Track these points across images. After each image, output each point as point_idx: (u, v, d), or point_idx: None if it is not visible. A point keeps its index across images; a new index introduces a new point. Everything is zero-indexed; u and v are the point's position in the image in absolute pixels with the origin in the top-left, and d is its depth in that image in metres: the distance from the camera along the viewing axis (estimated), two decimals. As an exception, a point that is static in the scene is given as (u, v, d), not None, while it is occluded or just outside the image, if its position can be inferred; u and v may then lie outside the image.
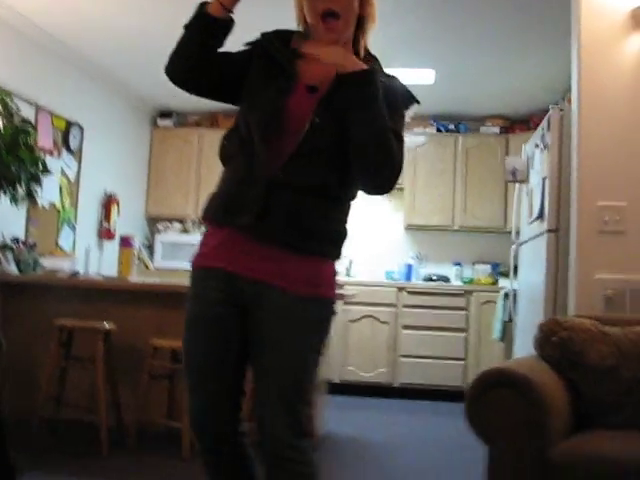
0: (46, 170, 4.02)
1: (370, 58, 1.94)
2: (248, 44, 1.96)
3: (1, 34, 4.79)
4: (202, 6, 1.88)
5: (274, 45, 1.91)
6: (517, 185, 4.89)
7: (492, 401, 2.28)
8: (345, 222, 1.94)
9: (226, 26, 1.89)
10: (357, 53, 1.92)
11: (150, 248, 7.28)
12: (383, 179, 1.82)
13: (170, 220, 7.26)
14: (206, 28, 1.87)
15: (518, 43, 5.12)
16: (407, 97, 1.94)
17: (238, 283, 1.84)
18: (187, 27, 1.89)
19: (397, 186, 6.80)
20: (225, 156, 1.95)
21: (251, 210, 1.79)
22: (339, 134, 1.82)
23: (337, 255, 1.92)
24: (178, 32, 1.91)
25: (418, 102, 1.95)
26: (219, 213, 1.89)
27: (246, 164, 1.84)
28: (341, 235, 1.92)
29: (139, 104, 6.93)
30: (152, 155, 7.28)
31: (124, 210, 6.57)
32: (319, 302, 1.87)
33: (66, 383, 4.19)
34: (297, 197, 1.81)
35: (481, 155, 6.89)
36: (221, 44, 1.91)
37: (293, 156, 1.81)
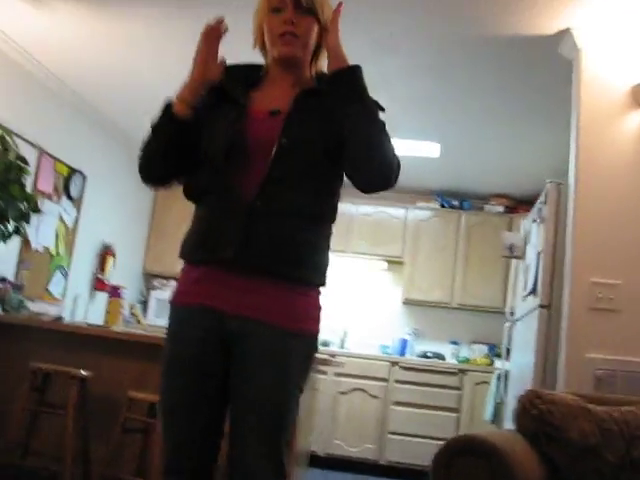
0: (37, 209, 4.00)
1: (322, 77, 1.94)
2: None
3: (10, 75, 4.86)
4: (167, 107, 1.87)
5: (223, 80, 1.89)
6: (514, 262, 4.83)
7: (457, 470, 2.15)
8: (327, 247, 1.90)
9: (192, 124, 1.87)
10: (310, 76, 1.94)
11: (144, 304, 7.20)
12: (390, 167, 1.79)
13: (167, 278, 7.18)
14: (171, 131, 1.86)
15: (523, 122, 5.15)
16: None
17: (220, 319, 1.79)
18: (154, 129, 1.89)
19: (397, 259, 6.66)
20: (193, 193, 1.91)
21: (232, 242, 1.75)
22: (309, 152, 1.81)
23: (322, 282, 1.87)
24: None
25: (383, 109, 1.88)
26: (197, 250, 1.84)
27: (218, 198, 1.82)
28: (323, 260, 1.88)
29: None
30: (155, 210, 7.27)
31: (120, 263, 6.52)
32: (304, 338, 1.81)
33: (36, 429, 4.05)
34: (276, 223, 1.77)
35: (484, 233, 6.84)
36: (189, 139, 1.87)
37: (267, 181, 1.78)
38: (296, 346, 1.78)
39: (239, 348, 1.78)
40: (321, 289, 1.89)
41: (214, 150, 1.82)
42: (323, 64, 1.94)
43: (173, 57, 4.59)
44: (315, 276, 1.85)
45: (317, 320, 1.87)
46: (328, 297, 6.59)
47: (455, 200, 7.07)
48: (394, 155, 1.80)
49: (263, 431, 1.74)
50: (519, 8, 3.55)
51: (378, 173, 1.79)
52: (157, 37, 4.45)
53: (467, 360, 6.76)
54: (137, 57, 4.82)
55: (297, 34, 1.85)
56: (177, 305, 1.87)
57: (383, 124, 1.80)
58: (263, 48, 1.95)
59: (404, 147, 5.92)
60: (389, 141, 1.80)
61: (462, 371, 6.41)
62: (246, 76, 1.94)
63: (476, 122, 5.29)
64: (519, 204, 6.92)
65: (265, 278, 1.77)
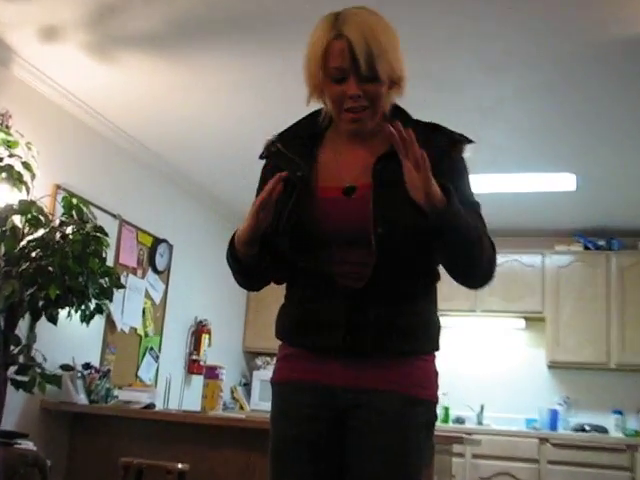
0: (119, 284, 4.07)
1: (397, 114, 1.88)
2: (263, 157, 2.00)
3: (81, 139, 4.99)
4: (232, 245, 1.96)
5: (286, 156, 1.90)
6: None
7: None
8: (436, 311, 1.95)
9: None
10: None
11: (247, 387, 7.21)
12: (489, 272, 1.85)
13: (271, 355, 7.18)
14: (245, 265, 1.96)
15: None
16: (460, 146, 1.86)
17: (332, 393, 1.83)
18: (230, 266, 2.00)
19: (537, 315, 6.46)
20: (281, 278, 1.98)
21: (337, 328, 1.80)
22: (409, 234, 1.79)
23: (436, 347, 1.92)
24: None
25: (471, 141, 1.86)
26: (297, 334, 1.91)
27: (312, 280, 1.87)
28: (435, 326, 1.92)
29: (237, 223, 7.04)
30: (252, 280, 7.30)
31: (217, 341, 6.59)
32: (423, 404, 1.84)
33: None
34: (384, 308, 1.81)
35: (641, 276, 6.53)
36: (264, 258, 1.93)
37: (374, 269, 1.80)
38: (416, 413, 1.80)
39: (355, 421, 1.80)
40: (436, 353, 1.93)
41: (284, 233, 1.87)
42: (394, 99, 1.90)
43: (250, 105, 4.67)
44: (428, 344, 1.89)
45: (435, 386, 1.89)
46: (459, 365, 6.39)
47: (601, 239, 6.84)
48: (492, 252, 1.83)
49: None
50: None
51: (480, 279, 1.87)
52: (232, 84, 4.52)
53: (637, 433, 6.40)
54: (214, 108, 4.91)
55: (366, 105, 1.80)
56: (281, 383, 1.92)
57: (479, 235, 1.78)
58: (319, 98, 1.90)
59: (532, 182, 5.81)
60: (488, 247, 1.81)
61: (631, 447, 6.06)
62: (304, 136, 1.94)
63: (615, 144, 5.08)
64: (680, 237, 6.60)
65: (375, 354, 1.81)
